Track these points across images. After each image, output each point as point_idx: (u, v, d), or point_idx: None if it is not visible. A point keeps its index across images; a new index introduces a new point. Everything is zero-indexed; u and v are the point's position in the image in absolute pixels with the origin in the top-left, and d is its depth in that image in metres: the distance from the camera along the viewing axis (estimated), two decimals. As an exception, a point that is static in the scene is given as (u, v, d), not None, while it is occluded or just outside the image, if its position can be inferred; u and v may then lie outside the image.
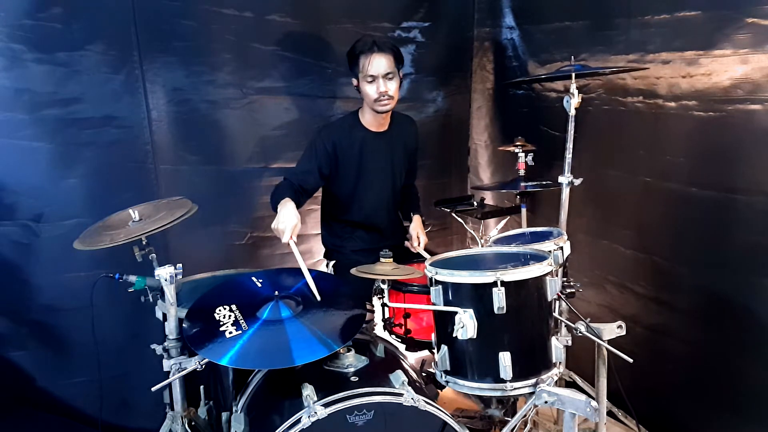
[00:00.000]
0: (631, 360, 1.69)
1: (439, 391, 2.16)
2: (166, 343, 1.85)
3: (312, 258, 3.05)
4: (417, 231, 2.57)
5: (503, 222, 2.89)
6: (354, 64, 2.38)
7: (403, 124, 2.62)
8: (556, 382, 1.73)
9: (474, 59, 3.29)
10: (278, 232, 2.04)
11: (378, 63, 2.32)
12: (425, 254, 2.46)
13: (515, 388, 1.67)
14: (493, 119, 3.28)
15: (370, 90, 2.35)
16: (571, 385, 2.39)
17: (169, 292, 1.80)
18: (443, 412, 1.68)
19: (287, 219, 2.04)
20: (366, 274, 1.87)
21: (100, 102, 2.49)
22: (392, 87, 2.35)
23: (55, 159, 2.46)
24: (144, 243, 1.93)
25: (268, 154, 2.88)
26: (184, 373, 1.76)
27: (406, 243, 2.60)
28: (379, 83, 2.33)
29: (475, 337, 1.65)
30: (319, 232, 2.74)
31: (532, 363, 1.70)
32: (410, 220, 2.65)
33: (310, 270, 1.99)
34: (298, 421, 1.56)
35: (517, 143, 2.62)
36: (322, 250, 2.73)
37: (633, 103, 2.38)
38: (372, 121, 2.48)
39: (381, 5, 3.03)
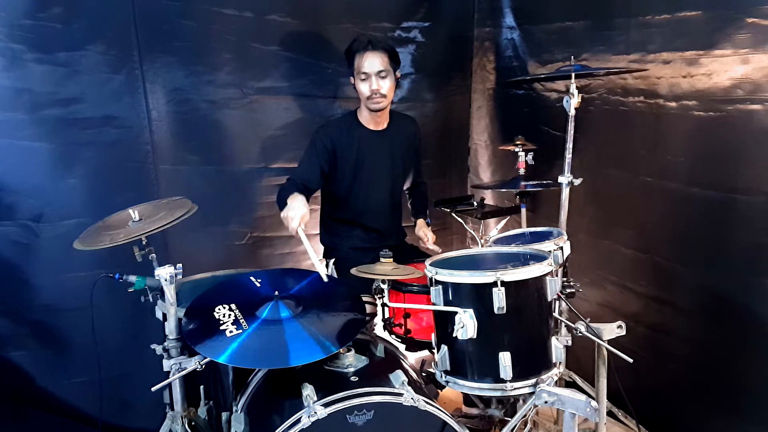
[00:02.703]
0: (631, 360, 1.69)
1: (439, 391, 2.16)
2: (166, 343, 1.85)
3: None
4: (423, 230, 2.59)
5: (503, 222, 2.88)
6: (350, 63, 2.42)
7: (404, 124, 2.63)
8: (556, 382, 1.73)
9: (474, 59, 3.29)
10: (287, 220, 2.08)
11: (371, 61, 2.35)
12: (437, 248, 2.47)
13: (515, 388, 1.67)
14: (493, 119, 3.28)
15: (363, 88, 2.38)
16: (571, 385, 2.38)
17: (169, 292, 1.80)
18: (443, 412, 1.68)
19: (296, 208, 2.09)
20: (366, 274, 1.87)
21: (100, 102, 2.49)
22: (385, 85, 2.38)
23: (55, 159, 2.46)
24: (144, 243, 1.93)
25: (268, 154, 2.88)
26: (184, 373, 1.76)
27: (420, 243, 2.62)
28: (372, 81, 2.36)
29: (475, 337, 1.65)
30: (318, 231, 2.74)
31: (532, 363, 1.71)
32: (415, 221, 2.68)
33: (311, 271, 2.00)
34: (298, 420, 1.56)
35: (518, 142, 2.61)
36: (321, 249, 2.73)
37: (634, 103, 2.38)
38: (369, 120, 2.50)
39: (381, 5, 3.03)
